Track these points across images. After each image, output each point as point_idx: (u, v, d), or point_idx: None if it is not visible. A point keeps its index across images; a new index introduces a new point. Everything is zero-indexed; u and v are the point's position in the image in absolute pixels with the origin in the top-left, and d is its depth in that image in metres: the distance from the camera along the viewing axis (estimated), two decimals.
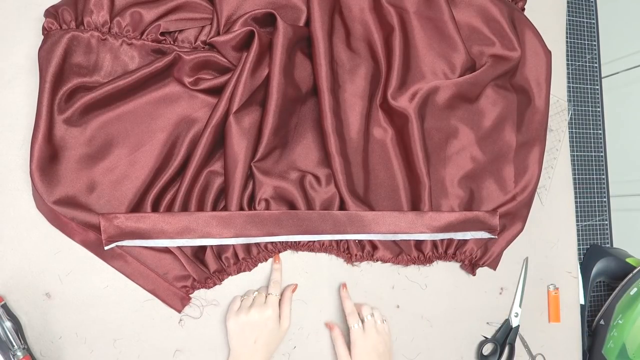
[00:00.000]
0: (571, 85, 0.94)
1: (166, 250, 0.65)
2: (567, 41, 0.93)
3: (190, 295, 0.66)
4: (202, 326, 0.68)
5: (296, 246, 0.70)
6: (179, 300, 0.66)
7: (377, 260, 0.73)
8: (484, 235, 0.75)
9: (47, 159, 0.61)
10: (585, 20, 0.97)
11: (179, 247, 0.64)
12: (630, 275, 0.83)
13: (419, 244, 0.74)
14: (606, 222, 0.95)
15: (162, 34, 0.66)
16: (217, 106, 0.65)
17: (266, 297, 0.65)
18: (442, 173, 0.76)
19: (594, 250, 0.91)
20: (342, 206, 0.70)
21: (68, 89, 0.63)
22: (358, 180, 0.72)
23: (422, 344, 0.76)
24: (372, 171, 0.74)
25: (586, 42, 0.97)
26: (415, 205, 0.73)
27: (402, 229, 0.69)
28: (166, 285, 0.65)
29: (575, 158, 0.93)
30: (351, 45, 0.74)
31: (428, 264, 0.76)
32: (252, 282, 0.70)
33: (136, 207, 0.64)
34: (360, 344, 0.65)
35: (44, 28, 0.62)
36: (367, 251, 0.72)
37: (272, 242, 0.69)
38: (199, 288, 0.67)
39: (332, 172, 0.69)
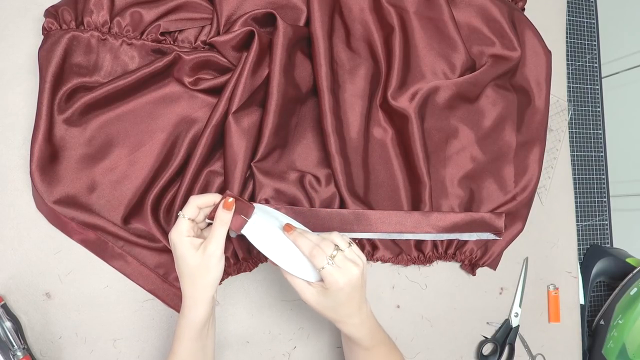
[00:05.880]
0: (571, 85, 0.94)
1: (166, 250, 0.65)
2: (567, 41, 0.93)
3: None
4: None
5: None
6: (179, 300, 0.65)
7: (377, 260, 0.73)
8: (489, 236, 0.74)
9: (47, 159, 0.61)
10: (585, 20, 0.97)
11: None
12: (630, 275, 0.83)
13: (419, 243, 0.74)
14: (606, 222, 0.95)
15: (162, 34, 0.66)
16: (217, 106, 0.65)
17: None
18: (442, 173, 0.76)
19: (594, 250, 0.91)
20: (342, 206, 0.70)
21: (68, 89, 0.63)
22: (358, 180, 0.72)
23: (422, 344, 0.76)
24: (372, 171, 0.74)
25: (586, 42, 0.97)
26: (415, 205, 0.73)
27: (407, 229, 0.69)
28: (166, 286, 0.65)
29: (575, 158, 0.93)
30: (351, 45, 0.74)
31: (428, 264, 0.76)
32: (252, 282, 0.70)
33: (136, 207, 0.64)
34: (338, 287, 0.51)
35: (44, 28, 0.62)
36: (367, 251, 0.72)
37: None
38: None
39: (332, 172, 0.69)
